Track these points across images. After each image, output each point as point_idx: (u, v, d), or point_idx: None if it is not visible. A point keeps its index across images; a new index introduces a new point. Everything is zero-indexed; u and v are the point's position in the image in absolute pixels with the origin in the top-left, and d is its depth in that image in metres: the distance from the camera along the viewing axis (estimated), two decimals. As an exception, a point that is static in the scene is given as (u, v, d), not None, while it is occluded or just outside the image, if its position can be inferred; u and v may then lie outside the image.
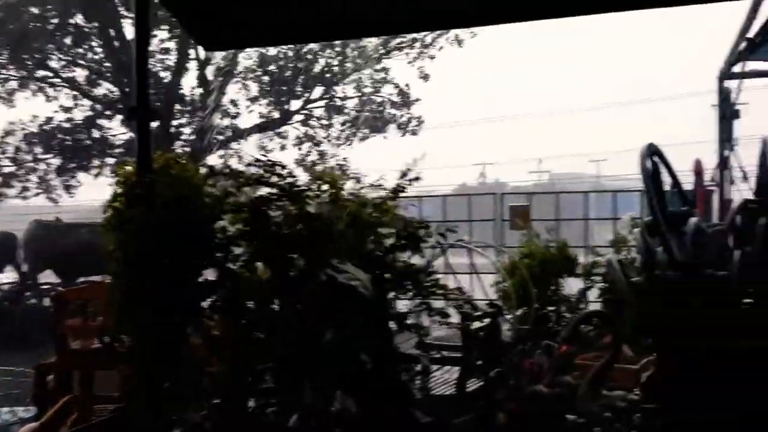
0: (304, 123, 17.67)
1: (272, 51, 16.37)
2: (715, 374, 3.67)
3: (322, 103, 17.51)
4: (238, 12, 2.72)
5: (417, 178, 4.22)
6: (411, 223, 4.03)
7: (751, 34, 6.30)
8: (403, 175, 4.27)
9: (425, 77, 16.86)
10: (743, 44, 6.46)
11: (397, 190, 4.11)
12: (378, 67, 17.08)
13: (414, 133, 17.36)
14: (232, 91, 16.98)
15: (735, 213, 4.29)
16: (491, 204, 10.38)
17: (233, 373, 3.83)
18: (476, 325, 5.11)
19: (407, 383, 3.72)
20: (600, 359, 4.82)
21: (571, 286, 6.98)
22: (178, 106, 16.25)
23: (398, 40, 16.47)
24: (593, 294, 6.85)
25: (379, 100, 17.39)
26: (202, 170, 4.37)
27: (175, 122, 16.31)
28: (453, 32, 16.24)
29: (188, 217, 3.92)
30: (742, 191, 6.16)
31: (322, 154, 17.24)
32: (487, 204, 10.57)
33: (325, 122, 17.71)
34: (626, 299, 4.30)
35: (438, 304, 4.19)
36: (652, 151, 4.41)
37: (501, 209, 9.51)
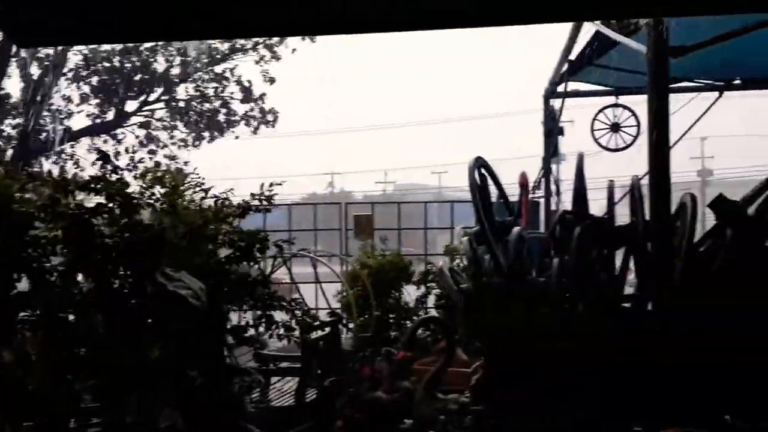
0: (142, 125, 16.82)
1: (106, 47, 15.44)
2: (539, 377, 3.90)
3: (161, 104, 16.79)
4: (51, 5, 2.53)
5: (270, 197, 4.16)
6: (248, 234, 3.95)
7: (572, 56, 6.83)
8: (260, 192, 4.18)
9: (271, 81, 16.54)
10: (565, 66, 6.99)
11: (246, 208, 4.04)
12: (220, 68, 16.60)
13: (271, 124, 16.87)
14: (63, 90, 15.91)
15: (555, 224, 4.61)
16: (336, 214, 10.47)
17: (51, 392, 3.56)
18: (316, 334, 5.13)
19: (240, 396, 3.64)
20: (436, 364, 4.98)
21: (411, 293, 7.20)
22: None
23: (243, 42, 16.12)
24: (432, 301, 7.11)
25: (220, 100, 16.85)
26: (19, 176, 4.05)
27: (-1, 125, 15.02)
28: (291, 40, 16.04)
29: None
30: (564, 203, 6.66)
31: (170, 158, 16.37)
32: (334, 213, 10.65)
33: (167, 124, 16.95)
34: (456, 305, 4.48)
35: (279, 315, 4.14)
36: (480, 164, 4.63)
37: (346, 218, 9.61)
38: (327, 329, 5.24)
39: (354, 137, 67.37)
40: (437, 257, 8.06)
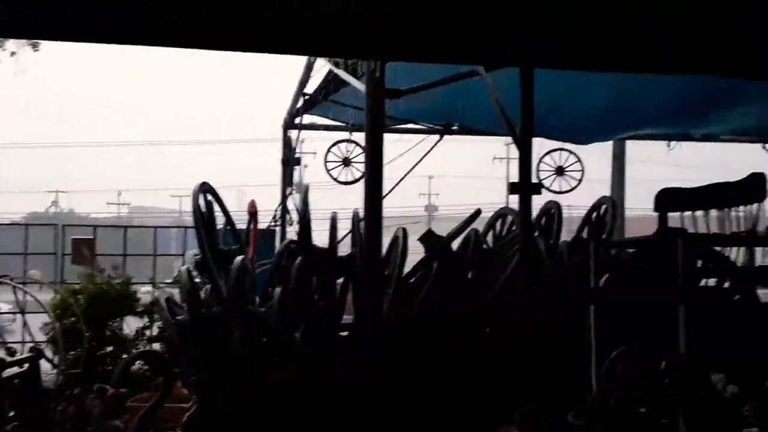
0: None
1: None
2: (254, 409, 3.81)
3: None
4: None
5: None
6: None
7: (308, 89, 7.02)
8: None
9: None
10: (302, 99, 7.15)
11: None
12: None
13: None
14: None
15: (279, 253, 4.62)
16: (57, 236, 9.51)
17: None
18: (11, 371, 4.55)
19: None
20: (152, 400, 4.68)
21: (132, 325, 6.72)
22: None
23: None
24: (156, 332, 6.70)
25: None
26: None
27: None
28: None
29: None
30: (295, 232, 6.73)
31: None
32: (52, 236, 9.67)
33: None
34: (173, 337, 4.26)
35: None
36: (205, 190, 4.50)
37: (63, 242, 8.73)
38: (25, 365, 4.66)
39: (83, 152, 62.42)
40: (163, 286, 7.65)
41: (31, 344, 5.53)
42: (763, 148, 7.64)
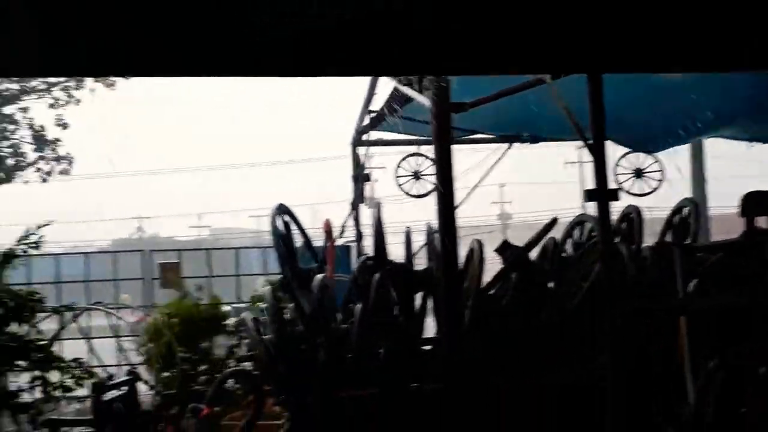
0: None
1: None
2: (344, 426, 3.89)
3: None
4: None
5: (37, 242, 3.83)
6: (16, 294, 3.61)
7: (374, 106, 7.12)
8: (24, 237, 3.85)
9: (64, 125, 15.46)
10: (368, 116, 7.26)
11: (10, 255, 3.68)
12: (9, 109, 15.25)
13: (65, 173, 15.77)
14: None
15: (357, 270, 4.70)
16: (144, 261, 9.95)
17: None
18: (111, 395, 4.77)
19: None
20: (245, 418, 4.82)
21: (221, 345, 6.93)
22: None
23: (36, 83, 14.99)
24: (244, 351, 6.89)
25: (11, 142, 15.48)
26: None
27: None
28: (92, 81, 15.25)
29: None
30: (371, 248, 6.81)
31: None
32: (140, 261, 10.11)
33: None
34: (261, 356, 4.39)
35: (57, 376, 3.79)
36: (282, 211, 4.63)
37: (151, 266, 9.13)
38: (123, 388, 4.89)
39: (162, 180, 64.78)
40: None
41: (128, 367, 5.80)
42: None
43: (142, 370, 5.97)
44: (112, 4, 2.27)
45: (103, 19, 2.25)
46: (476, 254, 4.09)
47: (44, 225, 3.97)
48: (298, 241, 5.19)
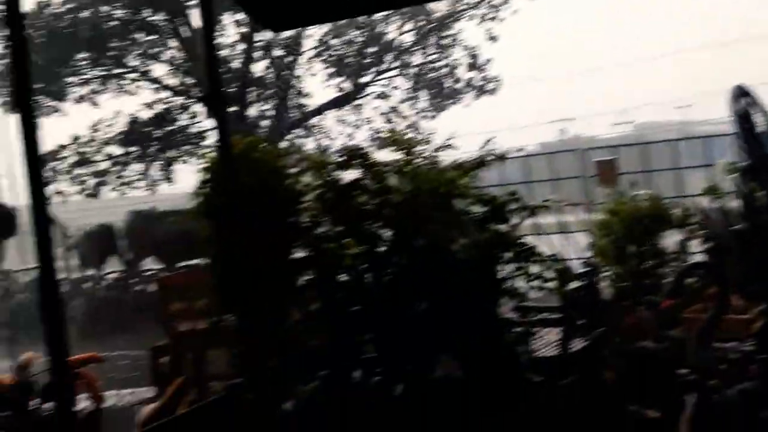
0: (380, 96, 17.52)
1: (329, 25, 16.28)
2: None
3: (393, 73, 17.34)
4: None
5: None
6: (494, 197, 4.00)
7: None
8: (485, 145, 4.22)
9: (493, 38, 16.43)
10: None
11: (480, 163, 4.10)
12: (446, 32, 16.76)
13: (491, 92, 17.00)
14: (303, 69, 17.06)
15: None
16: (575, 161, 10.12)
17: (335, 346, 3.91)
18: (573, 285, 5.03)
19: (512, 346, 3.71)
20: (706, 311, 4.65)
21: (666, 239, 6.74)
22: (252, 90, 16.48)
23: (465, 3, 16.12)
24: (694, 246, 6.59)
25: (449, 65, 17.07)
26: (284, 153, 4.48)
27: (251, 107, 16.56)
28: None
29: (272, 201, 4.03)
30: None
31: (410, 126, 16.94)
32: (571, 161, 10.32)
33: (405, 93, 17.51)
34: (729, 248, 4.14)
35: (534, 267, 4.13)
36: (741, 93, 4.22)
37: (585, 165, 9.25)
38: (583, 280, 5.11)
39: (582, 79, 64.40)
40: (688, 200, 7.46)
41: (584, 260, 6.04)
42: None
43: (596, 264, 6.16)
44: None
45: None
46: None
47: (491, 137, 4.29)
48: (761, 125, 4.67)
